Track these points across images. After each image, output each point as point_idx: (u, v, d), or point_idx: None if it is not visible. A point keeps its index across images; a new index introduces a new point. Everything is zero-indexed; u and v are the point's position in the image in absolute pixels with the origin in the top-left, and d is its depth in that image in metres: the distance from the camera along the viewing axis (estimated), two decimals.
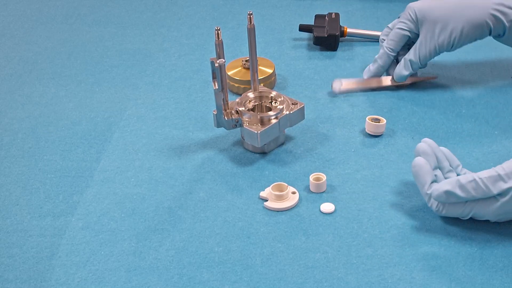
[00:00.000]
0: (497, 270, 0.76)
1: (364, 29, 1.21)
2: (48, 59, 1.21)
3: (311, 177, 0.88)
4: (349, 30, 1.20)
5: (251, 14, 0.92)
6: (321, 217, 0.85)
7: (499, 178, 0.75)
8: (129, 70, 1.16)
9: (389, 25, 1.08)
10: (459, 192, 0.77)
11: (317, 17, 1.20)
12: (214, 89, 0.90)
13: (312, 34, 1.19)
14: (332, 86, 1.06)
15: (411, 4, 1.04)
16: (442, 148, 0.85)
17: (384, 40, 1.07)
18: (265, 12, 1.32)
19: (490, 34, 1.00)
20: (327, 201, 0.86)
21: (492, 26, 0.98)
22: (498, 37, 1.02)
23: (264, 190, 0.88)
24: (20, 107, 1.08)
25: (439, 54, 1.02)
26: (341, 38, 1.20)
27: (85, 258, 0.80)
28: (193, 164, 0.94)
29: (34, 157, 0.97)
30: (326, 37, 1.17)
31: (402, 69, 1.04)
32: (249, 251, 0.80)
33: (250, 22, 0.92)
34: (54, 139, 1.00)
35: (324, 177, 0.88)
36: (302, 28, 1.20)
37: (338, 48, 1.19)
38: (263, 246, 0.81)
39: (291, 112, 0.94)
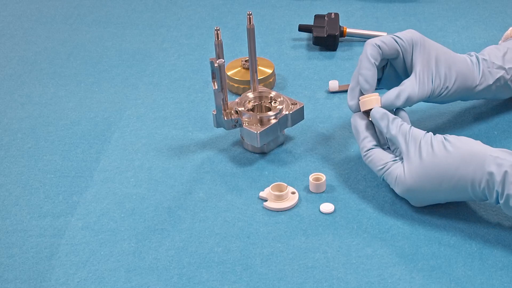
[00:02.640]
0: (497, 270, 0.76)
1: (363, 29, 1.21)
2: (48, 59, 1.21)
3: (311, 177, 0.88)
4: (348, 30, 1.20)
5: (251, 14, 0.92)
6: (320, 217, 0.85)
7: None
8: (129, 70, 1.16)
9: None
10: (391, 119, 0.83)
11: (317, 17, 1.20)
12: (214, 89, 0.90)
13: (311, 34, 1.19)
14: (329, 85, 1.07)
15: (412, 30, 0.91)
16: (402, 112, 0.88)
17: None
18: (264, 12, 1.32)
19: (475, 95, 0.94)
20: (326, 201, 0.86)
21: (479, 90, 0.92)
22: None
23: (263, 190, 0.88)
24: (19, 107, 1.08)
25: (424, 98, 0.89)
26: (340, 38, 1.20)
27: (85, 258, 0.80)
28: (192, 164, 0.94)
29: (33, 157, 0.97)
30: (326, 37, 1.17)
31: (395, 100, 0.87)
32: (248, 251, 0.80)
33: (250, 22, 0.92)
34: (54, 139, 1.00)
35: (323, 177, 0.88)
36: (302, 28, 1.20)
37: (337, 48, 1.19)
38: (263, 246, 0.81)
39: (291, 112, 0.94)
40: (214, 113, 0.93)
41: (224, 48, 0.91)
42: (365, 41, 1.19)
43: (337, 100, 1.06)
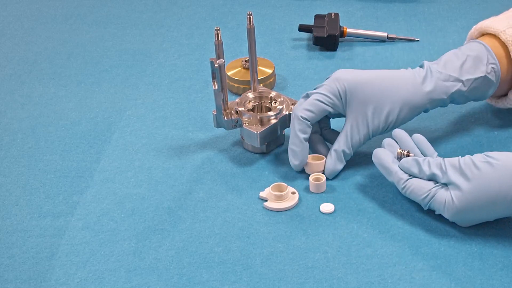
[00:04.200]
0: (497, 270, 0.76)
1: (363, 29, 1.21)
2: (48, 59, 1.21)
3: (311, 177, 0.88)
4: (348, 30, 1.20)
5: (251, 14, 0.92)
6: (321, 217, 0.85)
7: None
8: (129, 70, 1.16)
9: (308, 92, 0.89)
10: (420, 162, 0.80)
11: (317, 17, 1.20)
12: (214, 89, 0.90)
13: (311, 34, 1.19)
14: None
15: (339, 75, 0.88)
16: (417, 135, 0.87)
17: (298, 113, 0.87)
18: (265, 12, 1.32)
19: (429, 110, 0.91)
20: (327, 201, 0.86)
21: (431, 106, 0.90)
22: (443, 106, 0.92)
23: (263, 190, 0.88)
24: (20, 107, 1.08)
25: (370, 138, 0.89)
26: (340, 38, 1.20)
27: (85, 258, 0.80)
28: (192, 164, 0.94)
29: (34, 157, 0.97)
30: (326, 37, 1.17)
31: (336, 164, 0.88)
32: (249, 251, 0.80)
33: (250, 22, 0.92)
34: (54, 139, 1.00)
35: (323, 177, 0.88)
36: (302, 28, 1.20)
37: (337, 48, 1.19)
38: (263, 246, 0.81)
39: (291, 112, 0.94)
40: (214, 113, 0.93)
41: (224, 48, 0.91)
42: (365, 41, 1.20)
43: None
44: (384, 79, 0.88)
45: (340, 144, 0.88)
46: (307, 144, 0.88)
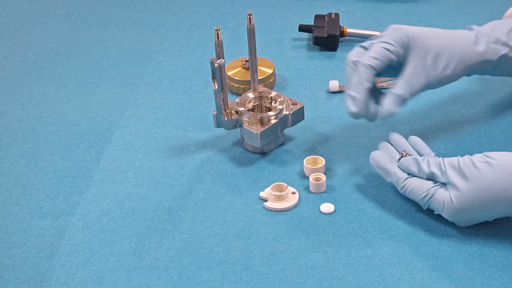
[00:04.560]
0: (497, 270, 0.76)
1: (363, 29, 1.21)
2: (48, 59, 1.21)
3: (311, 177, 0.88)
4: (348, 30, 1.20)
5: (251, 14, 0.92)
6: (321, 217, 0.85)
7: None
8: (129, 70, 1.16)
9: (364, 44, 0.89)
10: (420, 161, 0.81)
11: (317, 17, 1.20)
12: (214, 89, 0.90)
13: (312, 34, 1.19)
14: (329, 85, 1.07)
15: (399, 26, 0.88)
16: (413, 137, 0.87)
17: (357, 61, 0.87)
18: (265, 12, 1.32)
19: (479, 73, 0.93)
20: (327, 201, 0.86)
21: (480, 69, 0.91)
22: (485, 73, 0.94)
23: (264, 190, 0.88)
24: (20, 107, 1.08)
25: (426, 90, 0.88)
26: (341, 38, 1.20)
27: (85, 258, 0.80)
28: (193, 164, 0.94)
29: (34, 157, 0.97)
30: (326, 37, 1.17)
31: (392, 106, 0.85)
32: (249, 251, 0.80)
33: (250, 22, 0.92)
34: (54, 139, 1.00)
35: (324, 177, 0.88)
36: (302, 28, 1.20)
37: (338, 48, 1.19)
38: (263, 246, 0.81)
39: (291, 112, 0.94)
40: (214, 113, 0.93)
41: (224, 48, 0.91)
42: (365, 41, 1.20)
43: (337, 100, 1.05)
44: (443, 34, 0.89)
45: (400, 88, 0.86)
46: (368, 94, 0.86)
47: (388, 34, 0.88)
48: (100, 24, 1.31)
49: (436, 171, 0.79)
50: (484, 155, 0.77)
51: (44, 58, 1.21)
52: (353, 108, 0.85)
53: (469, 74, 0.92)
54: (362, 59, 0.86)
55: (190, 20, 1.31)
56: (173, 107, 1.06)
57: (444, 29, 0.92)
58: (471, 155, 0.78)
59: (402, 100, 0.86)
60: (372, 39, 0.89)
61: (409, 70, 0.86)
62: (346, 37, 1.20)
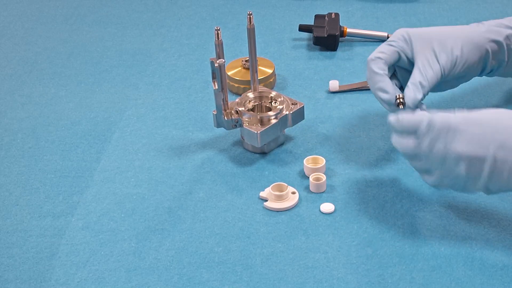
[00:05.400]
0: (497, 270, 0.76)
1: (364, 29, 1.21)
2: (48, 59, 1.21)
3: (311, 177, 0.88)
4: (349, 30, 1.20)
5: (251, 14, 0.92)
6: (321, 217, 0.85)
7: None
8: (129, 70, 1.16)
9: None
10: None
11: (317, 17, 1.20)
12: (214, 89, 0.90)
13: (312, 34, 1.19)
14: (329, 85, 1.07)
15: (401, 29, 0.91)
16: None
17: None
18: (265, 12, 1.32)
19: (490, 59, 0.92)
20: (327, 201, 0.86)
21: (492, 49, 0.91)
22: (498, 67, 0.94)
23: (264, 190, 0.88)
24: (20, 107, 1.08)
25: (443, 77, 0.88)
26: (341, 38, 1.20)
27: (85, 258, 0.80)
28: (193, 164, 0.94)
29: (34, 157, 0.97)
30: (326, 37, 1.17)
31: (415, 93, 0.86)
32: (249, 251, 0.80)
33: (250, 22, 0.92)
34: (54, 139, 1.00)
35: (324, 177, 0.88)
36: (302, 28, 1.20)
37: (338, 48, 1.19)
38: (263, 246, 0.81)
39: (291, 112, 0.94)
40: (215, 113, 0.93)
41: (224, 48, 0.91)
42: (365, 41, 1.20)
43: (337, 100, 1.06)
44: (443, 27, 0.91)
45: (416, 78, 0.87)
46: (388, 78, 0.88)
47: (391, 36, 0.91)
48: (100, 24, 1.31)
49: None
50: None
51: (44, 58, 1.21)
52: (384, 95, 0.87)
53: (485, 63, 0.91)
54: (368, 58, 0.89)
55: (190, 20, 1.31)
56: (173, 107, 1.06)
57: None
58: None
59: (422, 87, 0.86)
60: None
61: (419, 63, 0.88)
62: (346, 37, 1.20)
